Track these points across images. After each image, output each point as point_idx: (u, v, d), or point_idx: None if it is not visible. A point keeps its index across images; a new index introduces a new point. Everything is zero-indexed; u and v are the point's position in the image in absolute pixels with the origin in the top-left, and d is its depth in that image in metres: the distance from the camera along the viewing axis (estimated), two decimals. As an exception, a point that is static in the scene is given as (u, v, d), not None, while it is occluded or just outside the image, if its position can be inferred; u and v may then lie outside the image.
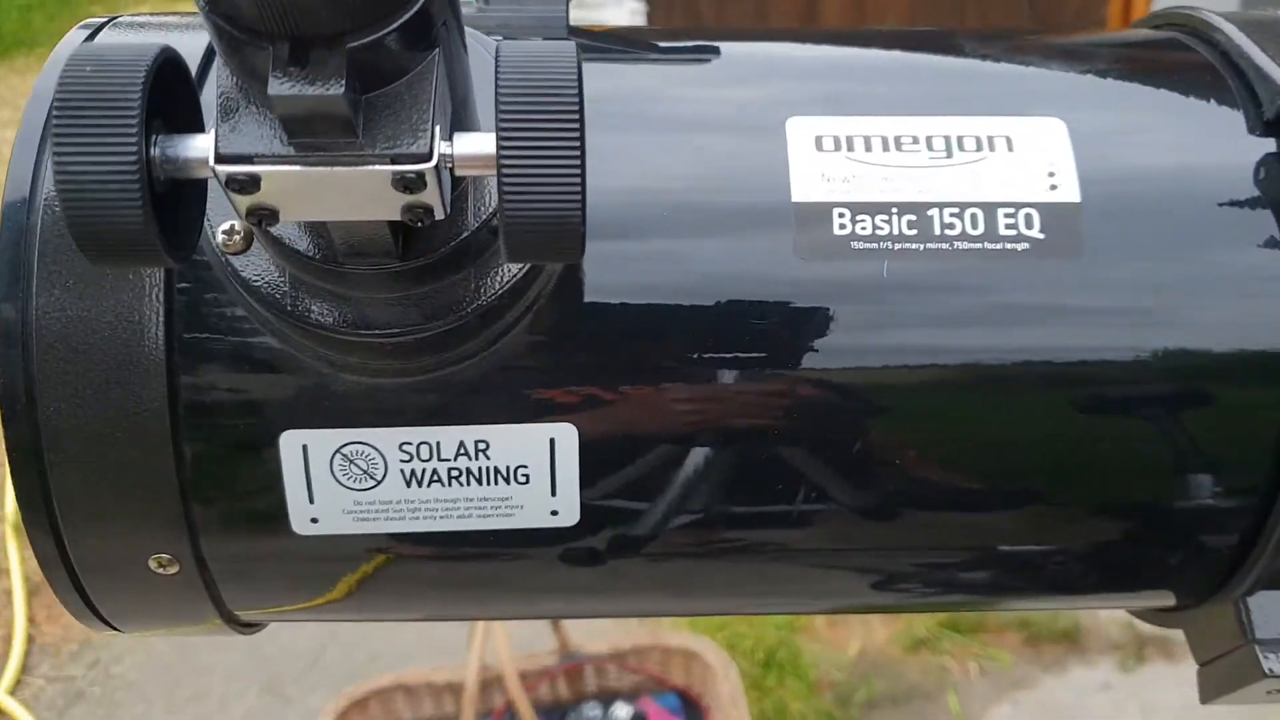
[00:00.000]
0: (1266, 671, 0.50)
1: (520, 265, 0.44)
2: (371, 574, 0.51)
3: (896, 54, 0.55)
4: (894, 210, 0.47)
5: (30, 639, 2.47)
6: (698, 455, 0.48)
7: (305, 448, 0.46)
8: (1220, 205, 0.49)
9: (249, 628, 0.55)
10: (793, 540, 0.52)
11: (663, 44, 0.55)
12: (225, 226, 0.44)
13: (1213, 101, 0.52)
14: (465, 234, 0.42)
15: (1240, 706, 0.55)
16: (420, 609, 0.58)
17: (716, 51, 0.53)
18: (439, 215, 0.37)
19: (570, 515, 0.49)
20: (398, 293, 0.43)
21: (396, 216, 0.37)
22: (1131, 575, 0.54)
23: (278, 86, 0.33)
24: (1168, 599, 0.56)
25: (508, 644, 1.74)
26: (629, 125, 0.50)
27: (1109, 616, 2.35)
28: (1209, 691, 0.55)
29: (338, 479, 0.47)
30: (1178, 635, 0.58)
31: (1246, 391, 0.49)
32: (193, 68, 0.44)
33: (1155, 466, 0.50)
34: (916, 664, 2.34)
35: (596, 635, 2.04)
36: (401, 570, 0.51)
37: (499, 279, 0.44)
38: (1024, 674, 2.31)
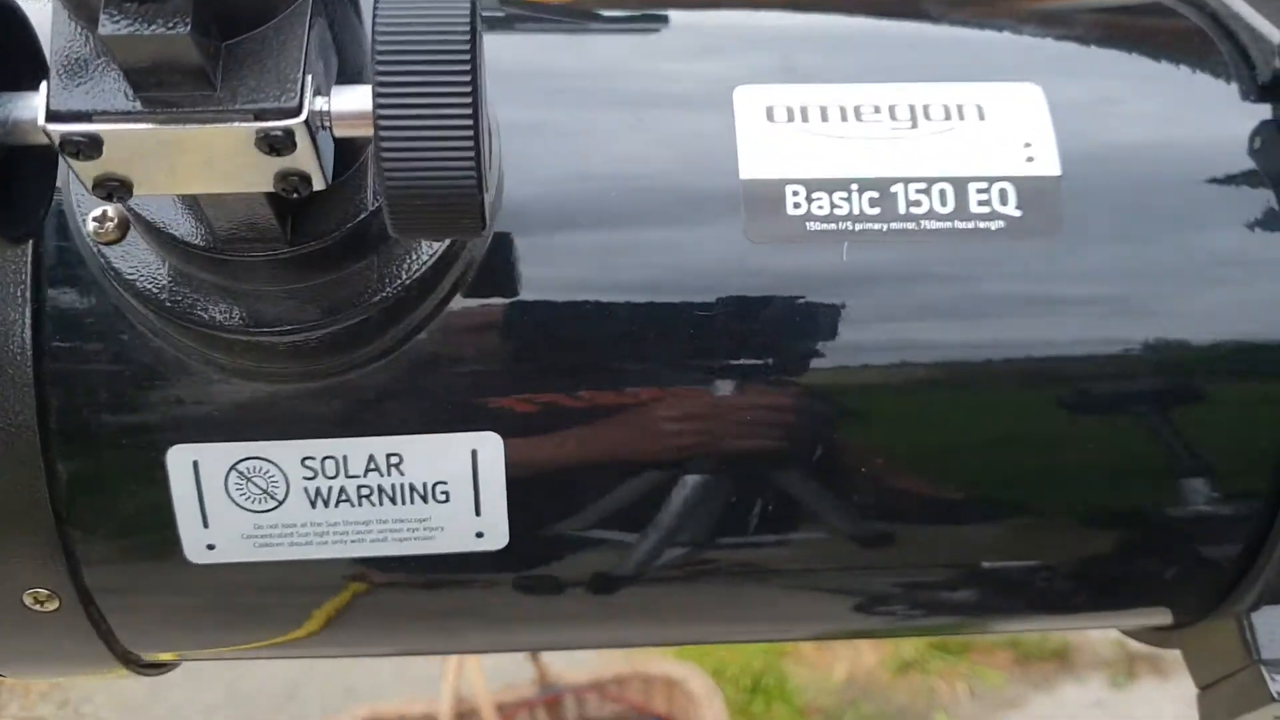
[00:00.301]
0: (1275, 695, 0.46)
1: (431, 252, 0.39)
2: (281, 608, 0.46)
3: (857, 19, 0.50)
4: (854, 187, 0.43)
5: (-2, 679, 2.41)
6: (640, 469, 0.43)
7: (196, 465, 0.41)
8: (1213, 180, 0.45)
9: (154, 669, 0.50)
10: (753, 561, 0.47)
11: (602, 13, 0.50)
12: (96, 213, 0.38)
13: (1202, 67, 0.47)
14: (364, 214, 0.37)
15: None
16: (341, 645, 0.52)
17: (661, 20, 0.48)
18: (317, 184, 0.32)
19: (498, 538, 0.44)
20: (290, 284, 0.38)
21: (269, 187, 0.32)
22: (1124, 591, 0.50)
23: (111, 25, 0.28)
24: (1164, 616, 0.51)
25: (482, 675, 1.69)
26: (560, 101, 0.45)
27: (1099, 633, 2.32)
28: (1212, 717, 0.50)
29: (234, 500, 0.42)
30: (1172, 652, 0.54)
31: (1245, 386, 0.45)
32: None
33: (1147, 470, 0.46)
34: (905, 686, 2.30)
35: (577, 664, 1.98)
36: (313, 603, 0.46)
37: (406, 268, 0.39)
38: (1014, 693, 2.28)
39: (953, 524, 0.46)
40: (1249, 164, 0.44)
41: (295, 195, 0.32)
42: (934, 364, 0.43)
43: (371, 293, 0.38)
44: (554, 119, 0.44)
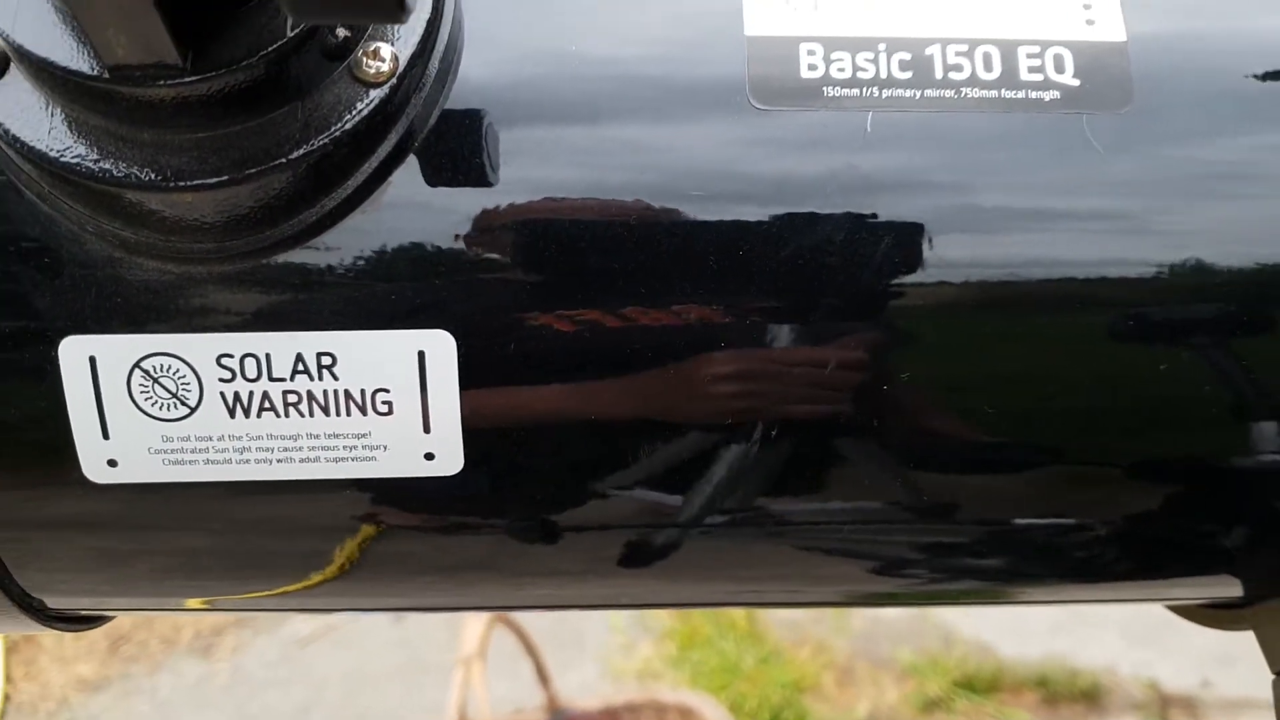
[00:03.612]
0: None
1: (366, 102, 0.33)
2: (201, 544, 0.39)
3: None
4: (881, 47, 0.36)
5: (6, 697, 2.39)
6: (616, 379, 0.37)
7: (93, 361, 0.35)
8: None
9: (73, 624, 0.43)
10: (770, 513, 0.40)
11: None
12: None
13: None
14: (281, 41, 0.31)
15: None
16: (284, 598, 0.44)
17: None
18: None
19: (451, 460, 0.37)
20: (196, 130, 0.32)
21: None
22: (1185, 555, 0.43)
23: None
24: (1231, 588, 0.44)
25: (489, 698, 1.63)
26: None
27: (1131, 674, 2.24)
28: None
29: (139, 405, 0.36)
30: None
31: None
32: None
33: (1219, 410, 0.39)
34: (930, 726, 2.22)
35: (587, 690, 1.93)
36: (237, 541, 0.40)
37: (336, 117, 0.32)
38: (1041, 736, 2.20)
39: (987, 473, 0.40)
40: None
41: None
42: (970, 267, 0.36)
43: (294, 143, 0.32)
44: None
